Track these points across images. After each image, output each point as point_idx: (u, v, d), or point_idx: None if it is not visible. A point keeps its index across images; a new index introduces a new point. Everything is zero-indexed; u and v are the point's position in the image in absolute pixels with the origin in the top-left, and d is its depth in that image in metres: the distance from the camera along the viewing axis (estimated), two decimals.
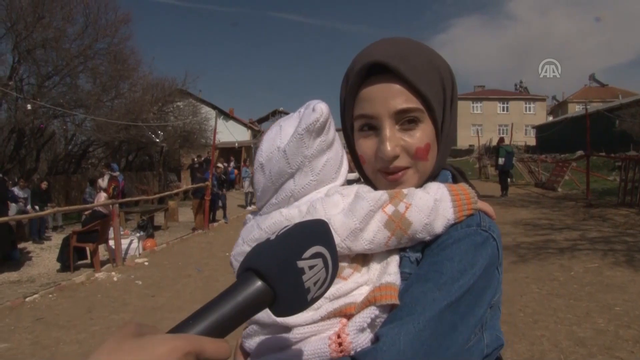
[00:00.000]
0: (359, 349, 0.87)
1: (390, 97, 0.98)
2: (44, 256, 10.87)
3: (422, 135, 0.99)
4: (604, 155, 21.21)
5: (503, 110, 61.86)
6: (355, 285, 0.94)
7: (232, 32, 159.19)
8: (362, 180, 1.13)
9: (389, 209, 0.94)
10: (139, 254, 10.37)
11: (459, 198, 0.94)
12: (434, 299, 0.85)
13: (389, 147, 0.98)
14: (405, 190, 0.97)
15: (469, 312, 0.87)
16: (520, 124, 56.54)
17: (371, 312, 0.88)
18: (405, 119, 0.99)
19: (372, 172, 1.05)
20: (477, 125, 56.20)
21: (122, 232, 10.17)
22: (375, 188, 1.03)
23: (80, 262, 9.39)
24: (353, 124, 1.06)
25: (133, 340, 0.53)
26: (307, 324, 0.92)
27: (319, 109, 0.97)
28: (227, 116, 41.97)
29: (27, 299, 7.13)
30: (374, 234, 0.93)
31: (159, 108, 24.54)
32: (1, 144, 17.19)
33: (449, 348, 0.84)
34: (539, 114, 61.50)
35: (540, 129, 48.90)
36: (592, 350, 4.50)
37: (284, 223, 0.97)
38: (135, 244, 10.54)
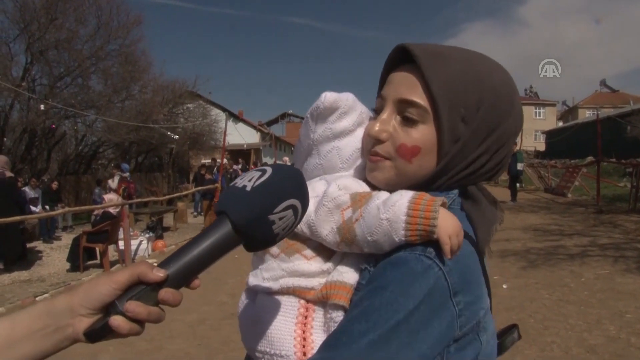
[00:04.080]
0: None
1: (403, 84, 0.95)
2: (53, 256, 10.94)
3: (417, 136, 0.93)
4: (615, 161, 21.04)
5: None
6: (317, 269, 0.95)
7: (243, 34, 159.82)
8: None
9: (347, 213, 0.91)
10: (148, 255, 10.40)
11: (416, 220, 0.82)
12: (359, 332, 0.77)
13: (376, 126, 0.96)
14: (374, 193, 0.93)
15: (405, 349, 0.77)
16: (530, 129, 56.27)
17: (328, 317, 0.91)
18: (405, 113, 0.94)
19: (365, 155, 1.02)
20: None
21: (131, 233, 10.21)
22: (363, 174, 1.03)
23: (89, 263, 9.43)
24: None
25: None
26: (266, 294, 0.97)
27: (322, 96, 1.00)
28: (237, 118, 42.08)
29: (37, 299, 7.15)
30: (327, 233, 0.93)
31: (169, 110, 24.66)
32: (13, 144, 17.33)
33: None
34: (548, 119, 61.21)
35: (550, 135, 48.67)
36: (604, 357, 4.46)
37: None
38: (144, 245, 10.57)
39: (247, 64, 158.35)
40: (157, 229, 12.08)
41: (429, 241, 0.83)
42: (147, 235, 10.97)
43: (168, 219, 14.76)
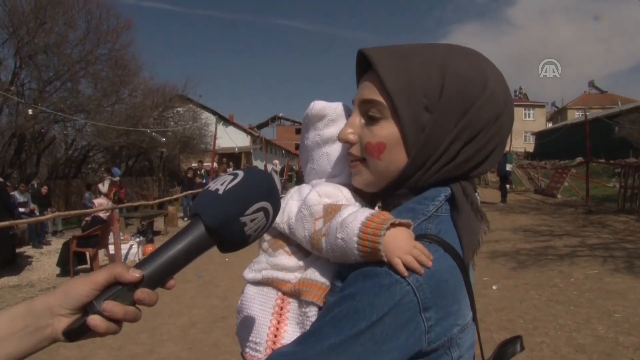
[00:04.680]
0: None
1: (364, 87, 0.98)
2: (43, 261, 10.88)
3: (380, 133, 0.95)
4: (604, 161, 21.22)
5: None
6: (295, 264, 1.02)
7: (233, 37, 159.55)
8: None
9: (319, 224, 0.96)
10: (139, 259, 10.35)
11: (365, 243, 0.84)
12: (326, 334, 0.81)
13: (345, 129, 1.00)
14: (342, 208, 0.95)
15: (366, 357, 0.80)
16: (520, 130, 56.57)
17: (301, 311, 0.97)
18: (368, 113, 0.97)
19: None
20: None
21: (121, 237, 10.17)
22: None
23: (80, 267, 9.38)
24: None
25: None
26: (251, 284, 1.06)
27: (311, 105, 1.07)
28: (227, 122, 42.06)
29: None
30: (302, 238, 0.99)
31: (159, 113, 24.61)
32: (2, 148, 17.20)
33: None
34: (538, 121, 61.53)
35: (539, 136, 48.92)
36: (592, 357, 4.50)
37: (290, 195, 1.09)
38: (134, 249, 10.54)
39: (238, 67, 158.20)
40: (147, 233, 12.03)
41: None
42: (137, 240, 10.94)
43: (159, 223, 14.71)
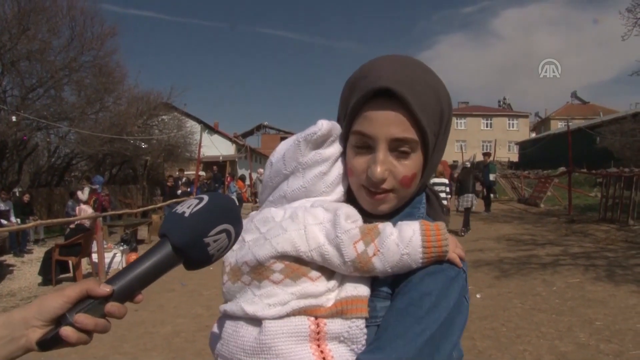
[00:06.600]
0: None
1: (392, 123, 0.98)
2: (25, 270, 10.72)
3: (412, 165, 1.01)
4: (586, 171, 21.48)
5: (486, 127, 62.57)
6: (324, 289, 0.99)
7: (218, 46, 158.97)
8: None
9: (360, 246, 0.96)
10: (122, 268, 10.27)
11: (431, 250, 0.95)
12: (414, 333, 0.90)
13: (379, 169, 0.99)
14: (380, 227, 0.98)
15: (444, 341, 0.92)
16: (504, 140, 57.17)
17: (347, 325, 0.96)
18: (400, 149, 1.00)
19: (357, 186, 1.05)
20: (460, 142, 56.59)
21: (105, 246, 10.08)
22: (355, 201, 1.08)
23: (62, 276, 9.26)
24: (349, 136, 1.06)
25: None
26: (274, 319, 0.97)
27: (319, 124, 1.06)
28: (212, 130, 41.92)
29: None
30: (339, 264, 0.98)
31: (143, 121, 24.45)
32: None
33: None
34: (522, 131, 62.26)
35: (523, 146, 49.47)
36: None
37: (269, 219, 1.05)
38: (118, 258, 10.44)
39: (223, 76, 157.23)
40: (131, 242, 11.93)
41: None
42: (121, 248, 10.85)
43: (142, 232, 14.59)
